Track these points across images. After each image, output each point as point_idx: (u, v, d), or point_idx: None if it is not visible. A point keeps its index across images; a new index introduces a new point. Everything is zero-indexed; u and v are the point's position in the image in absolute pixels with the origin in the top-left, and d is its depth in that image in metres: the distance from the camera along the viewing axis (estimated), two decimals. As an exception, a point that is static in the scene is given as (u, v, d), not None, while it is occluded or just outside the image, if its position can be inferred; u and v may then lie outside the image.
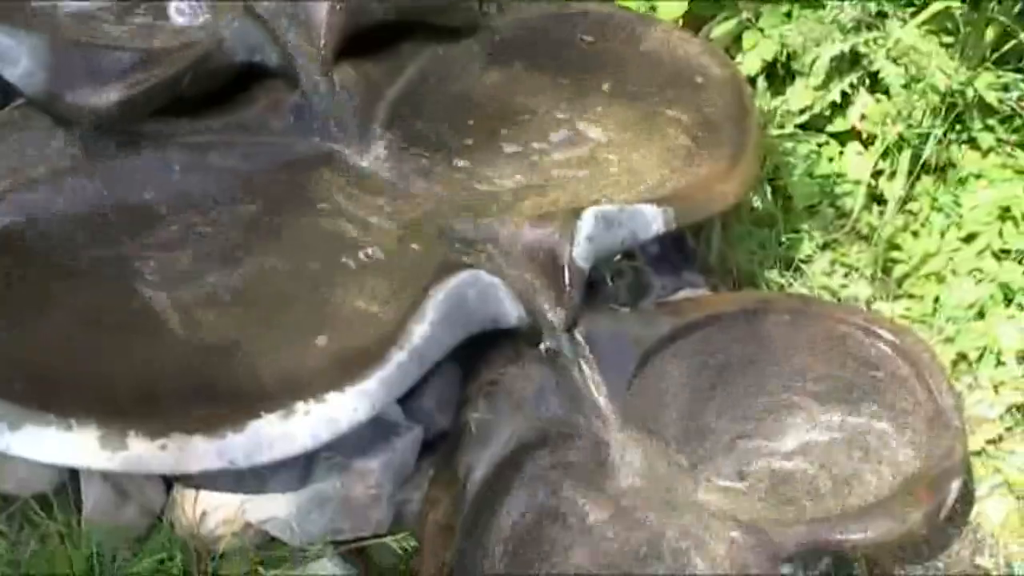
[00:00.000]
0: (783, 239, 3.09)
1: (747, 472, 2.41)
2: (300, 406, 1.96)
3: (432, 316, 2.11)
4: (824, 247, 3.21)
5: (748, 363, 2.52)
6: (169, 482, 2.13)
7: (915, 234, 3.20)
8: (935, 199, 3.19)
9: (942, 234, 3.15)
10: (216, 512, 2.09)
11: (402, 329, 2.10)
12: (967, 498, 3.01)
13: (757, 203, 2.99)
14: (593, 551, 2.19)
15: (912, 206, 3.21)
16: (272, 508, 2.06)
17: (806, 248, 3.13)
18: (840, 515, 2.29)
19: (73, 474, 2.09)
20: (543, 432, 2.25)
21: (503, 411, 2.21)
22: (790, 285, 3.05)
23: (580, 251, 2.35)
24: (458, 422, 2.21)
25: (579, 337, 2.36)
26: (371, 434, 2.17)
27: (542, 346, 2.32)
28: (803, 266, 3.13)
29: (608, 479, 2.28)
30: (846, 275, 3.20)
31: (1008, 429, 3.05)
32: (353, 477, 2.07)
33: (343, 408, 1.98)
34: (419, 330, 2.09)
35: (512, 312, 2.24)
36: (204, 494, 2.09)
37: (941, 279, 3.12)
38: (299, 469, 2.08)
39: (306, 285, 2.26)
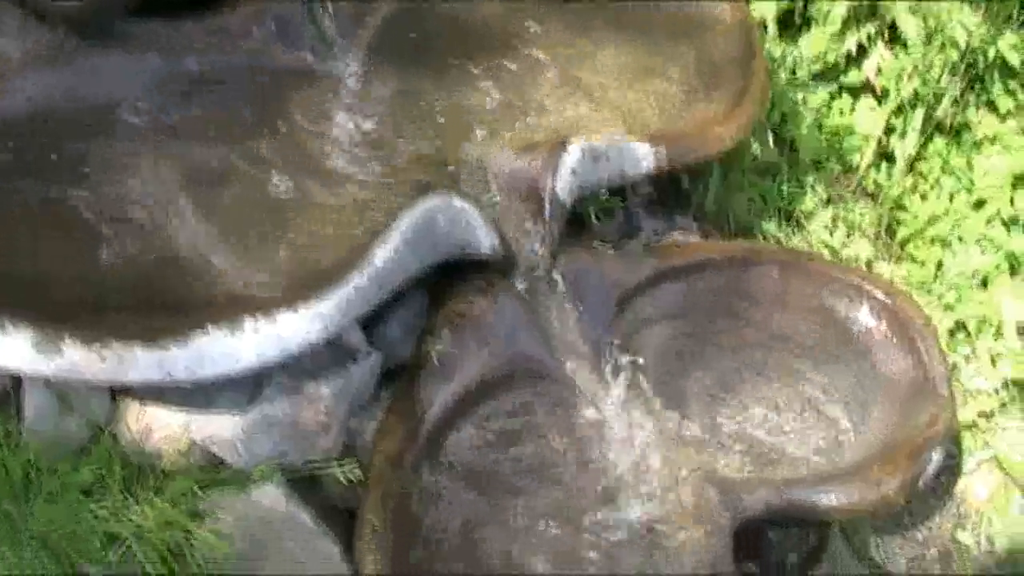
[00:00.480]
0: (785, 191, 2.95)
1: (722, 426, 2.31)
2: (248, 323, 1.86)
3: (397, 240, 2.01)
4: (828, 203, 3.08)
5: (732, 315, 2.42)
6: (115, 395, 2.02)
7: (923, 196, 3.08)
8: (947, 161, 3.05)
9: (951, 198, 3.03)
10: (161, 428, 2.00)
11: (364, 251, 2.00)
12: (953, 471, 2.90)
13: (758, 151, 2.84)
14: (554, 490, 2.08)
15: (922, 167, 3.08)
16: (217, 428, 1.97)
17: (809, 203, 3.00)
18: (813, 478, 2.18)
19: (17, 382, 1.99)
20: (510, 368, 2.14)
21: (468, 344, 2.11)
22: (788, 239, 2.93)
23: (563, 184, 2.24)
24: (419, 352, 2.08)
25: (556, 273, 2.24)
26: (327, 359, 2.07)
27: (516, 280, 2.19)
28: (803, 221, 2.99)
29: (576, 420, 2.17)
30: (848, 234, 3.08)
31: (1003, 404, 2.93)
32: (303, 402, 1.98)
33: (294, 328, 1.88)
34: (381, 253, 1.99)
35: (485, 241, 2.13)
36: (149, 409, 2.01)
37: (946, 244, 3.00)
38: (248, 389, 1.99)
39: (271, 202, 2.15)
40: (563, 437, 2.15)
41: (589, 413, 2.18)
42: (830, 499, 2.15)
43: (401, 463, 1.95)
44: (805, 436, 2.31)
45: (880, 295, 2.43)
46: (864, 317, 2.42)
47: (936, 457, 2.23)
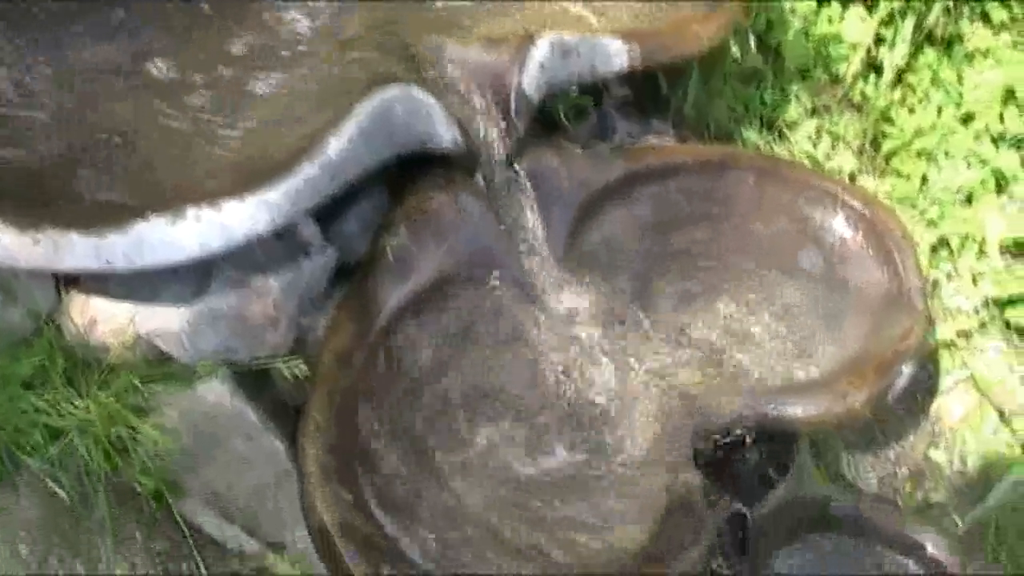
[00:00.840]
0: (768, 99, 2.85)
1: (689, 333, 2.24)
2: (191, 211, 1.78)
3: (352, 130, 1.93)
4: (812, 113, 2.98)
5: (704, 220, 2.35)
6: (61, 287, 1.95)
7: (911, 110, 2.97)
8: (936, 74, 2.95)
9: (939, 111, 2.93)
10: (106, 321, 1.93)
11: (318, 141, 1.90)
12: (929, 390, 2.84)
13: (738, 54, 2.74)
14: (506, 394, 2.01)
15: (911, 79, 2.97)
16: (163, 320, 1.91)
17: (792, 112, 2.91)
18: (779, 389, 2.12)
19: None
20: (469, 268, 2.07)
21: (425, 240, 2.03)
22: (770, 148, 2.84)
23: (530, 79, 2.15)
24: (375, 248, 2.00)
25: (520, 171, 2.15)
26: (279, 253, 1.99)
27: (478, 176, 2.11)
28: (786, 130, 2.90)
29: (537, 320, 2.10)
30: (832, 145, 2.99)
31: (982, 324, 2.87)
32: (251, 295, 1.91)
33: (239, 217, 1.80)
34: (335, 143, 1.91)
35: (445, 134, 2.04)
36: (94, 301, 1.94)
37: (932, 158, 2.90)
38: (194, 282, 1.92)
39: (230, 92, 2.06)
40: (520, 339, 2.07)
41: (549, 315, 2.10)
42: (796, 410, 2.09)
43: (350, 361, 1.89)
44: (775, 346, 2.25)
45: (857, 204, 2.35)
46: (840, 226, 2.35)
47: (907, 371, 2.16)
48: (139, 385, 1.94)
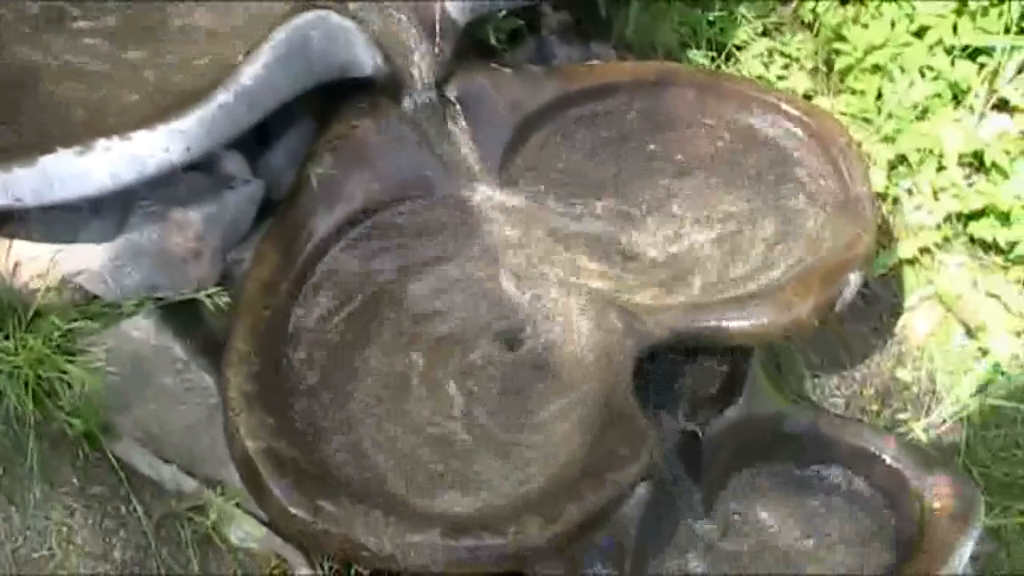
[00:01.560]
0: (716, 22, 2.80)
1: (630, 250, 2.19)
2: (101, 142, 1.74)
3: (266, 57, 1.89)
4: (763, 35, 2.92)
5: (645, 138, 2.31)
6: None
7: (864, 25, 2.91)
8: (889, -11, 2.88)
9: (892, 25, 2.86)
10: (29, 263, 1.92)
11: (232, 69, 1.85)
12: (894, 308, 2.80)
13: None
14: (444, 312, 1.98)
15: (863, -6, 2.90)
16: (84, 259, 1.88)
17: (742, 34, 2.86)
18: (721, 302, 2.07)
19: None
20: (398, 193, 2.04)
21: (350, 167, 1.99)
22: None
23: (456, 4, 2.09)
24: (300, 177, 1.97)
25: (450, 95, 2.11)
26: (203, 186, 1.96)
27: (405, 102, 2.06)
28: (736, 53, 2.85)
29: (471, 243, 2.06)
30: (785, 66, 2.93)
31: (946, 239, 2.82)
32: (171, 228, 1.88)
33: (151, 146, 1.77)
34: (249, 71, 1.88)
35: (366, 60, 2.01)
36: (17, 244, 1.91)
37: (886, 74, 2.84)
38: (115, 219, 1.89)
39: (150, 22, 2.01)
40: (454, 261, 2.03)
41: (484, 238, 2.06)
42: (738, 323, 2.03)
43: (275, 290, 1.85)
44: (720, 261, 2.21)
45: (801, 115, 2.32)
46: (784, 138, 2.32)
47: (855, 279, 2.11)
48: (65, 326, 1.88)
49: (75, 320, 1.93)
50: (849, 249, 2.16)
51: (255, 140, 2.15)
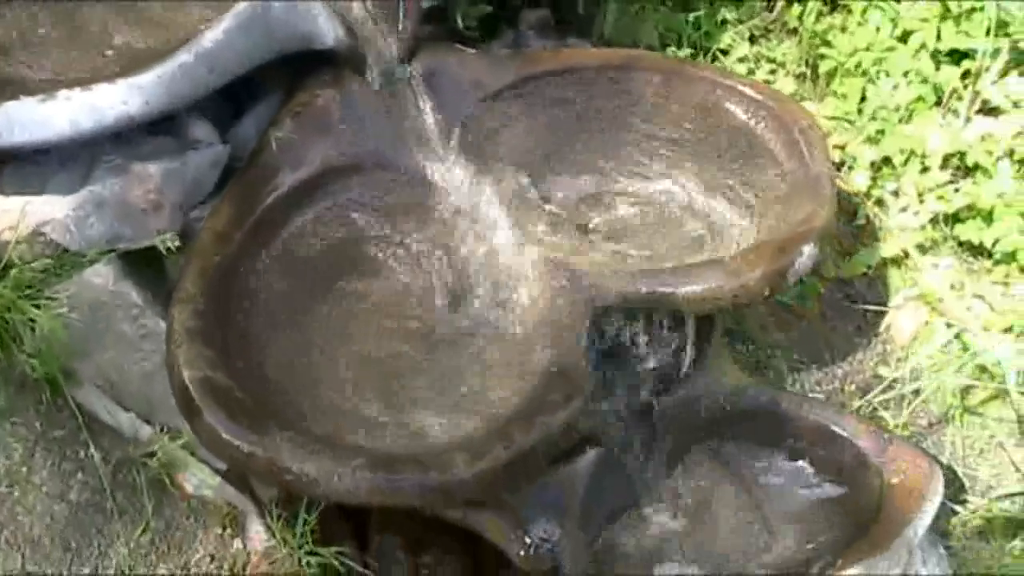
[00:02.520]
0: (701, 25, 2.88)
1: (589, 222, 2.26)
2: (63, 92, 1.86)
3: (227, 23, 2.03)
4: (751, 40, 2.99)
5: (608, 119, 2.39)
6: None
7: (850, 32, 2.96)
8: (873, -4, 2.94)
9: (877, 30, 2.91)
10: (1, 216, 2.00)
11: (195, 34, 1.97)
12: (879, 308, 2.83)
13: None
14: (396, 271, 2.06)
15: (848, 1, 2.96)
16: (50, 210, 1.99)
17: (726, 38, 2.91)
18: (670, 268, 2.12)
19: None
20: (357, 160, 2.13)
21: (309, 133, 2.09)
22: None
23: (419, -17, 2.19)
24: (261, 142, 2.07)
25: (413, 71, 2.20)
26: (169, 147, 2.07)
27: (368, 75, 2.17)
28: (721, 56, 2.92)
29: (425, 213, 2.14)
30: (771, 71, 2.99)
31: (932, 241, 2.84)
32: (131, 180, 1.99)
33: (110, 99, 1.89)
34: (210, 35, 2.01)
35: (327, 31, 2.12)
36: (-9, 198, 2.01)
37: (871, 77, 2.89)
38: (80, 171, 2.00)
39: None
40: (409, 230, 2.11)
41: (440, 207, 2.15)
42: (688, 287, 2.08)
43: (227, 240, 1.94)
44: (678, 235, 2.25)
45: (764, 99, 2.39)
46: (747, 120, 2.37)
47: (809, 251, 2.15)
48: (32, 274, 1.98)
49: (44, 270, 2.00)
50: (805, 223, 2.19)
51: (230, 116, 2.24)
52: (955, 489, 2.66)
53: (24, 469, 1.97)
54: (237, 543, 2.03)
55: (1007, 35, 2.76)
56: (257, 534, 2.02)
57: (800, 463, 2.28)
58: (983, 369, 2.72)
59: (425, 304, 2.05)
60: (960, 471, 2.71)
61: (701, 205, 2.30)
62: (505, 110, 2.28)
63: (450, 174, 2.18)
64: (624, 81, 2.38)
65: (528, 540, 1.99)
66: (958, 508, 2.57)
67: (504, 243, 2.12)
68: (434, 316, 2.06)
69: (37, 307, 1.98)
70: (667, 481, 2.23)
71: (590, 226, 2.24)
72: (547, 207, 2.23)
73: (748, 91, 2.37)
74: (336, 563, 2.01)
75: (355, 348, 1.96)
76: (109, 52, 2.04)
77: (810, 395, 2.81)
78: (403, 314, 2.03)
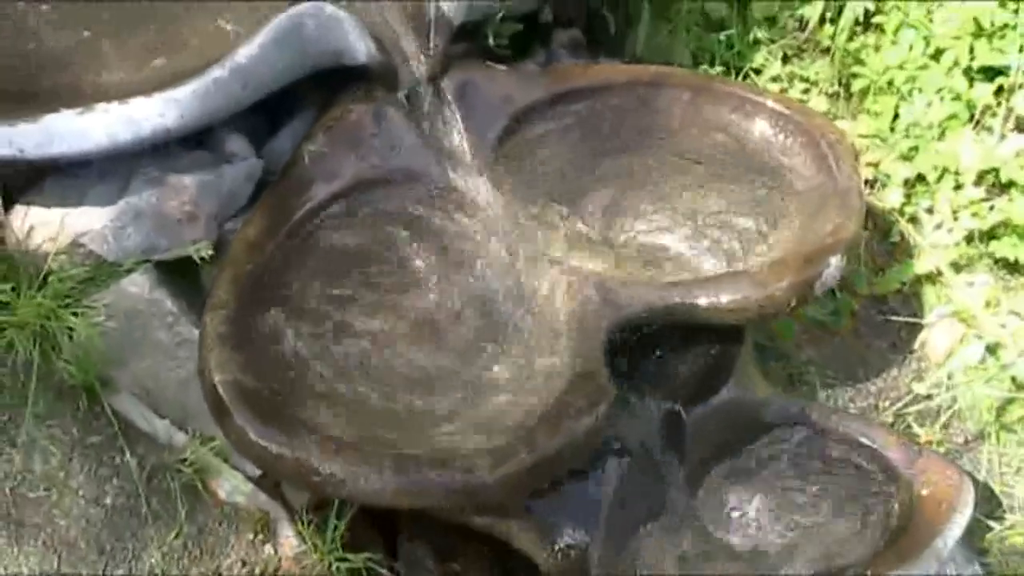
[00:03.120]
0: (735, 45, 2.91)
1: (617, 238, 2.29)
2: (100, 105, 1.93)
3: (261, 39, 2.08)
4: (783, 60, 3.02)
5: (638, 134, 2.40)
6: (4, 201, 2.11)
7: (883, 52, 2.99)
8: (906, 14, 2.96)
9: (910, 48, 2.93)
10: (41, 227, 2.09)
11: (230, 50, 2.03)
12: (914, 325, 2.83)
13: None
14: (422, 283, 2.09)
15: (881, 20, 2.99)
16: (88, 220, 2.05)
17: (759, 58, 2.94)
18: (696, 279, 2.14)
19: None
20: (388, 174, 2.17)
21: (341, 147, 2.14)
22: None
23: (450, 2, 2.25)
24: (295, 156, 2.12)
25: (444, 87, 2.25)
26: (205, 161, 2.13)
27: (400, 91, 2.22)
28: (753, 76, 2.95)
29: (455, 225, 2.18)
30: (805, 90, 3.01)
31: (967, 258, 2.85)
32: (168, 191, 2.05)
33: (146, 111, 1.95)
34: (245, 51, 2.06)
35: (359, 48, 2.17)
36: (32, 209, 2.09)
37: (903, 95, 2.91)
38: (118, 184, 2.06)
39: (162, 11, 2.21)
40: (439, 242, 2.15)
41: (469, 221, 2.18)
42: (713, 298, 2.10)
43: (260, 249, 1.99)
44: (708, 249, 2.28)
45: (792, 114, 2.40)
46: (776, 135, 2.40)
47: (836, 263, 2.16)
48: (71, 284, 2.04)
49: (83, 280, 2.06)
50: (833, 235, 2.21)
51: (266, 131, 2.30)
52: (992, 506, 2.64)
53: (61, 473, 2.01)
54: (268, 548, 2.06)
55: (1041, 51, 2.74)
56: (288, 539, 2.05)
57: (829, 474, 2.26)
58: (1020, 386, 2.69)
59: (454, 314, 2.08)
60: (997, 488, 2.68)
61: (730, 218, 2.30)
62: (535, 125, 2.32)
63: (480, 188, 2.21)
64: (653, 97, 2.40)
65: (556, 547, 2.00)
66: (995, 525, 2.53)
67: (532, 256, 2.14)
68: (463, 326, 2.08)
69: (75, 315, 2.02)
70: (695, 491, 2.21)
71: (618, 240, 2.27)
72: (575, 220, 2.25)
73: (776, 106, 2.39)
74: (365, 570, 2.03)
75: (384, 356, 1.99)
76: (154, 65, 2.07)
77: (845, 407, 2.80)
78: (432, 323, 2.06)
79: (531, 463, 1.81)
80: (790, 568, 2.19)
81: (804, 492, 2.27)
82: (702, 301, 2.11)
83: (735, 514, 2.25)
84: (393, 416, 1.88)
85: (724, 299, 2.11)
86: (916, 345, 2.85)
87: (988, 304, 2.81)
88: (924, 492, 2.19)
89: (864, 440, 2.28)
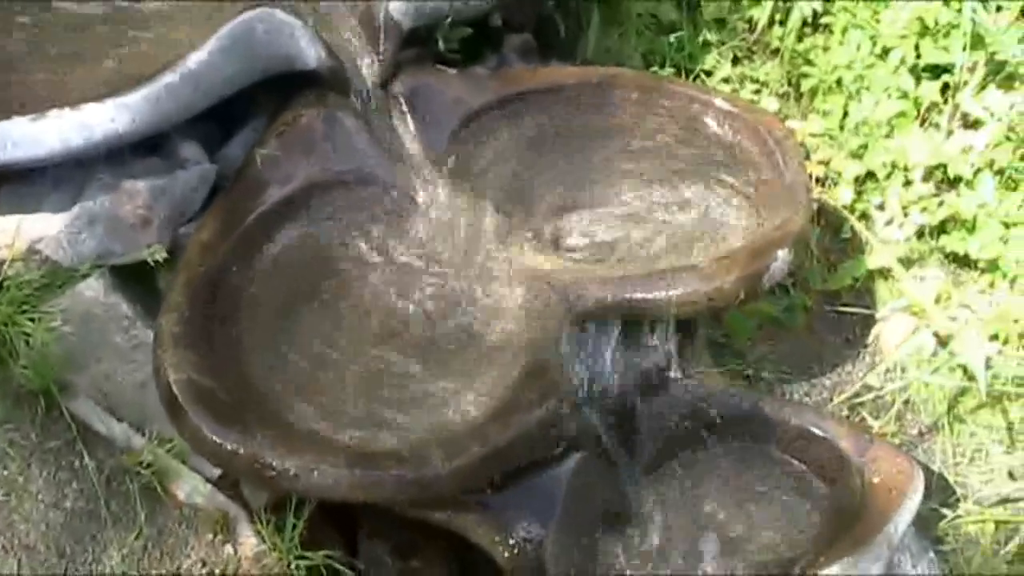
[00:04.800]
0: (685, 48, 2.96)
1: (569, 235, 2.32)
2: (54, 111, 1.95)
3: (212, 45, 2.11)
4: (734, 62, 3.07)
5: (588, 135, 2.44)
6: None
7: (832, 52, 3.04)
8: (854, 15, 3.02)
9: (858, 48, 2.98)
10: (-2, 235, 2.08)
11: (181, 55, 2.06)
12: (867, 319, 2.87)
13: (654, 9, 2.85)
14: (374, 284, 2.12)
15: (829, 21, 3.04)
16: (44, 226, 2.07)
17: (710, 60, 2.99)
18: (646, 273, 2.18)
19: None
20: (340, 177, 2.20)
21: (294, 151, 2.17)
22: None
23: (396, 6, 2.29)
24: (247, 161, 2.15)
25: (395, 91, 2.29)
26: (158, 167, 2.15)
27: (351, 95, 2.25)
28: (705, 78, 2.99)
29: (408, 226, 2.21)
30: (756, 91, 3.06)
31: (918, 253, 2.90)
32: (121, 196, 2.07)
33: (98, 116, 1.98)
34: (195, 56, 2.08)
35: (310, 53, 2.20)
36: (-11, 218, 2.09)
37: (852, 94, 2.96)
38: (72, 189, 2.09)
39: (116, 27, 2.24)
40: (392, 243, 2.18)
41: (422, 221, 2.21)
42: (664, 292, 2.14)
43: (212, 252, 2.01)
44: (658, 245, 2.31)
45: (739, 111, 2.43)
46: (724, 132, 2.43)
47: (783, 255, 2.20)
48: (28, 290, 2.06)
49: (40, 287, 2.08)
50: (780, 228, 2.25)
51: (220, 138, 2.33)
52: (947, 496, 2.68)
53: (21, 478, 2.03)
54: (228, 548, 2.08)
55: (984, 49, 2.80)
56: (247, 539, 2.07)
57: (782, 465, 2.30)
58: (971, 377, 2.74)
59: (408, 312, 2.11)
60: (951, 478, 2.72)
61: (680, 214, 2.34)
62: (486, 127, 2.35)
63: (432, 189, 2.24)
64: (603, 97, 2.44)
65: (512, 541, 2.02)
66: (949, 513, 2.57)
67: (485, 255, 2.17)
68: (416, 323, 2.11)
69: (32, 321, 2.04)
70: (651, 484, 2.25)
71: (571, 237, 2.30)
72: (527, 220, 2.28)
73: (724, 104, 2.44)
74: (323, 567, 2.05)
75: (338, 353, 2.01)
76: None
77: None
78: (386, 321, 2.09)
79: (483, 456, 1.84)
80: (745, 559, 2.21)
81: (758, 484, 2.30)
82: (652, 295, 2.14)
83: (689, 508, 2.27)
84: (347, 414, 1.90)
85: (673, 293, 2.14)
86: (870, 340, 2.89)
87: (939, 298, 2.85)
88: (875, 480, 2.23)
89: (816, 431, 2.31)
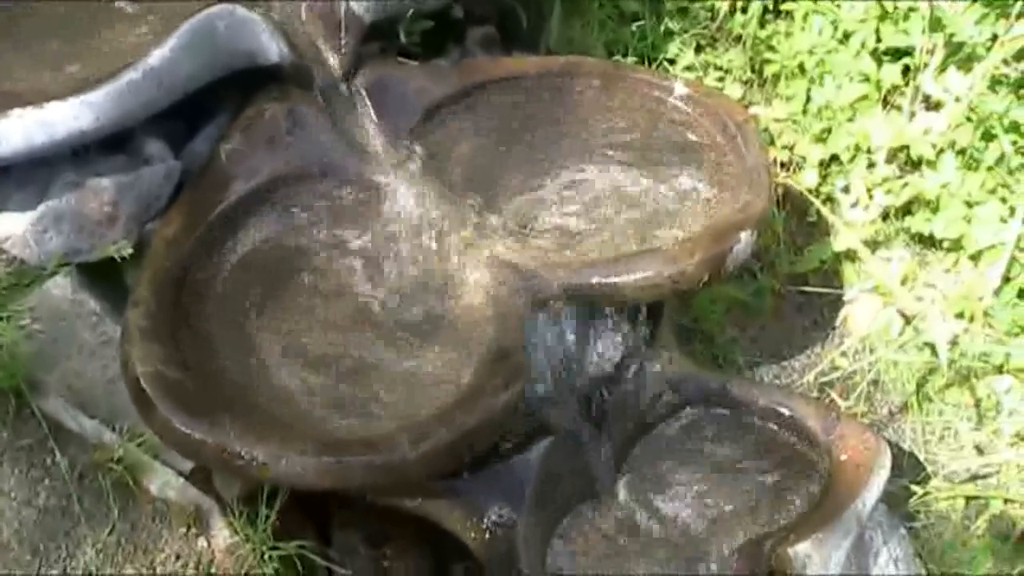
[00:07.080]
0: (648, 37, 2.98)
1: (533, 223, 2.34)
2: (16, 111, 1.96)
3: (172, 42, 2.12)
4: (697, 50, 3.09)
5: (551, 123, 2.46)
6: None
7: (794, 37, 3.07)
8: (814, 1, 3.04)
9: (819, 33, 3.01)
10: (-36, 235, 2.09)
11: (142, 53, 2.08)
12: (834, 302, 2.90)
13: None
14: (340, 274, 2.14)
15: (790, 7, 3.07)
16: (10, 225, 2.08)
17: (673, 48, 3.02)
18: (610, 259, 2.20)
19: None
20: (305, 170, 2.22)
21: (257, 145, 2.19)
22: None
23: (359, 2, 2.30)
24: (212, 156, 2.17)
25: (357, 84, 2.31)
26: (123, 165, 2.16)
27: (314, 89, 2.27)
28: (668, 66, 3.02)
29: (373, 218, 2.22)
30: (719, 79, 3.09)
31: (884, 234, 2.93)
32: (87, 194, 2.08)
33: (61, 114, 1.99)
34: (157, 53, 2.10)
35: (271, 48, 2.22)
36: (-45, 218, 2.10)
37: (814, 79, 2.99)
38: (37, 189, 2.10)
39: (79, 23, 2.25)
40: (357, 233, 2.20)
41: (387, 211, 2.23)
42: (627, 276, 2.16)
43: (177, 247, 2.03)
44: (621, 231, 2.33)
45: (700, 96, 2.46)
46: (686, 118, 2.45)
47: (746, 237, 2.23)
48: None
49: (6, 286, 2.09)
50: (743, 211, 2.28)
51: (184, 135, 2.34)
52: (917, 473, 2.71)
53: (-8, 478, 2.03)
54: (201, 541, 2.09)
55: (942, 31, 2.83)
56: (220, 532, 2.08)
57: (752, 445, 2.33)
58: (937, 357, 2.76)
59: (374, 300, 2.12)
60: (921, 456, 2.75)
61: (644, 199, 2.36)
62: (449, 118, 2.37)
63: (396, 179, 2.26)
64: (565, 86, 2.47)
65: (483, 525, 2.04)
66: (919, 490, 2.60)
67: (449, 242, 2.19)
68: (383, 312, 2.13)
69: (1, 320, 2.05)
70: (620, 468, 2.27)
71: (534, 224, 2.31)
72: (491, 208, 2.30)
73: (684, 90, 2.46)
74: (297, 557, 2.07)
75: (305, 343, 2.02)
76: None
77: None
78: (353, 311, 2.11)
79: (450, 440, 1.86)
80: (719, 537, 2.24)
81: (727, 464, 2.32)
82: (616, 279, 2.16)
83: (660, 489, 2.29)
84: (315, 400, 1.92)
85: (637, 276, 2.15)
86: (838, 322, 2.92)
87: (905, 278, 2.88)
88: (843, 457, 2.25)
89: (784, 410, 2.34)
